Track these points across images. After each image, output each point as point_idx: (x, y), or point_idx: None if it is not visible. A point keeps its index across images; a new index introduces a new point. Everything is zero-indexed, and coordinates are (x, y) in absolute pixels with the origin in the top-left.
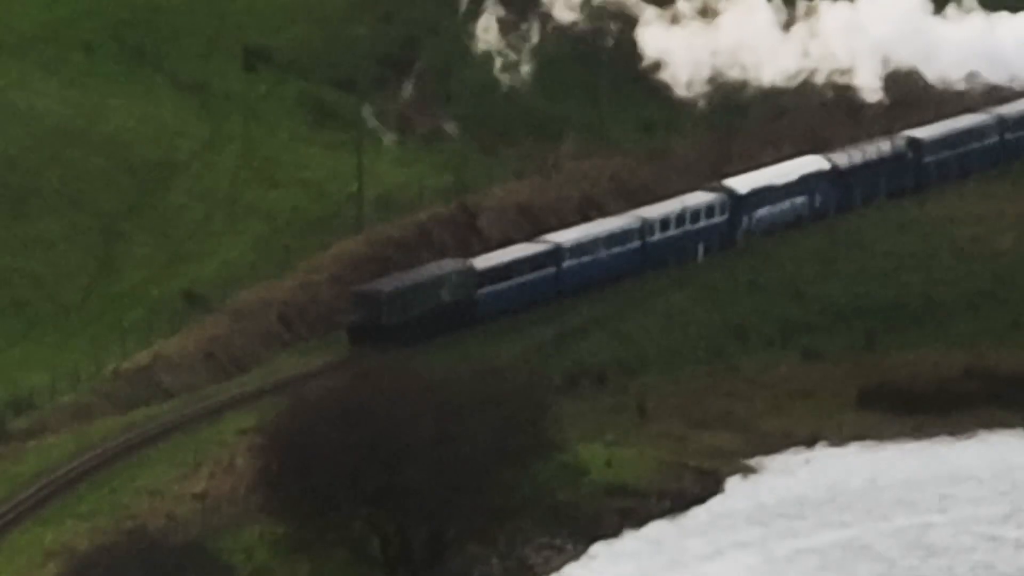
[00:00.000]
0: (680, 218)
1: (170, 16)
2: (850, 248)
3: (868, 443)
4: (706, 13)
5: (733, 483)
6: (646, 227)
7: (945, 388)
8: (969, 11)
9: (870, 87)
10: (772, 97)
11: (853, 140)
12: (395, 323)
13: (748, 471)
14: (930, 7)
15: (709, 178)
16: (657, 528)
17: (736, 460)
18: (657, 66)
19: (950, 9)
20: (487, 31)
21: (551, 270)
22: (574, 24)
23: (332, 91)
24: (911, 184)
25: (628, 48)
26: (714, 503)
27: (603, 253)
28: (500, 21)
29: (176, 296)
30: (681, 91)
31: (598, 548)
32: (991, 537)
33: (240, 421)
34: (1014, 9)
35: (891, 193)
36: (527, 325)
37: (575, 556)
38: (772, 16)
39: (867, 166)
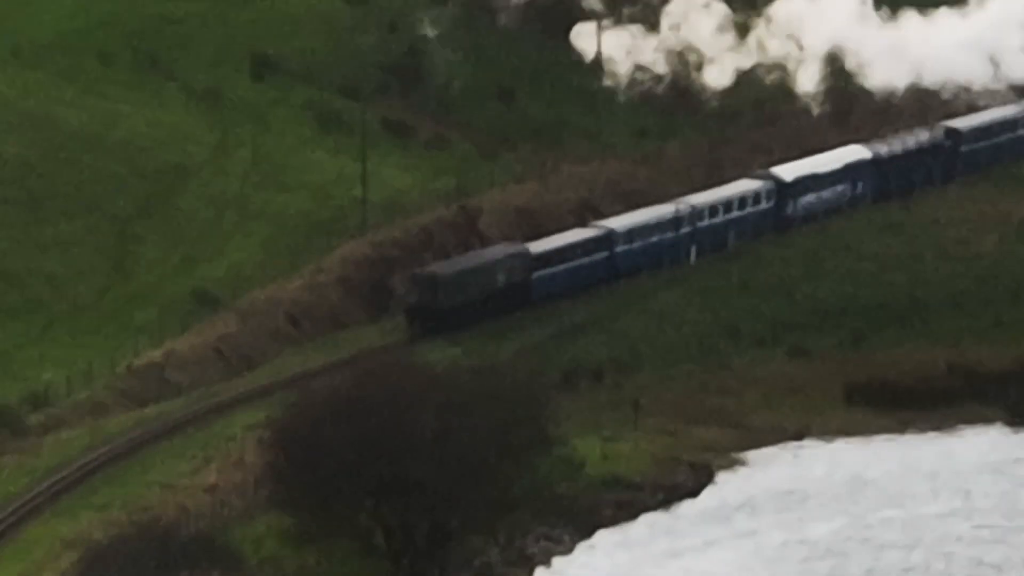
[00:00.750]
0: (728, 205)
1: (182, 26)
2: (837, 250)
3: (855, 438)
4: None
5: (724, 476)
6: (695, 214)
7: (929, 385)
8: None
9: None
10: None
11: (840, 144)
12: (451, 305)
13: (739, 465)
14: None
15: (701, 182)
16: (651, 520)
17: (727, 454)
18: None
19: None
20: None
21: (604, 254)
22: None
23: (338, 98)
24: (948, 173)
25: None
26: (706, 496)
27: (654, 238)
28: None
29: (187, 296)
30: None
31: (595, 539)
32: (975, 529)
33: (249, 417)
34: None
35: (928, 181)
36: (527, 324)
37: (572, 547)
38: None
39: (907, 155)
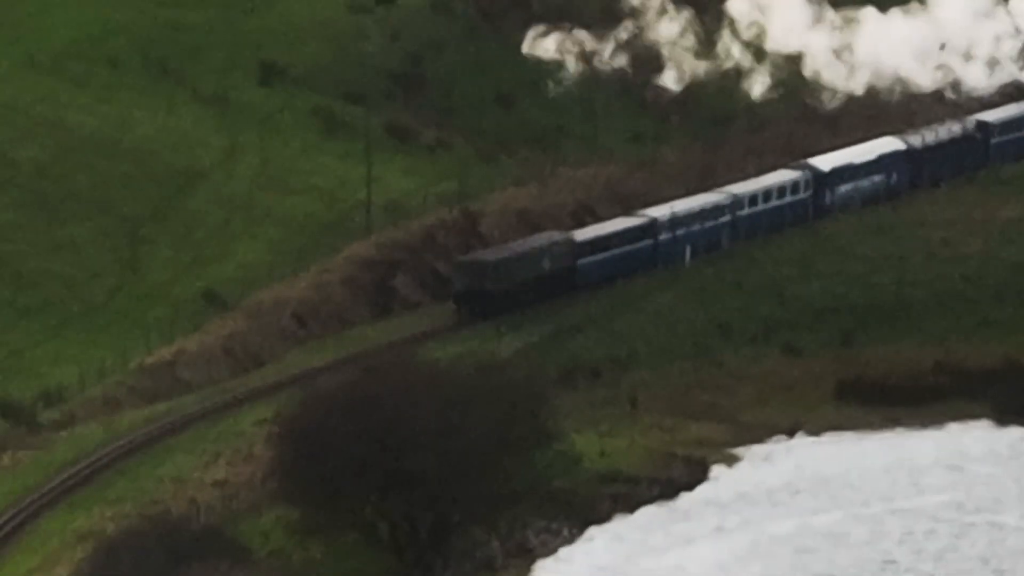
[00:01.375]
0: (767, 194)
1: (191, 34)
2: (828, 251)
3: (845, 433)
4: None
5: (718, 471)
6: (736, 203)
7: (917, 382)
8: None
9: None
10: (755, 110)
11: (833, 147)
12: (499, 290)
13: (732, 460)
14: None
15: (695, 185)
16: (648, 513)
17: (721, 449)
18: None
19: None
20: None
21: (648, 242)
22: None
23: (343, 104)
24: (978, 163)
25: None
26: (701, 490)
27: (696, 226)
28: None
29: (197, 296)
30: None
31: (592, 531)
32: (960, 522)
33: (257, 413)
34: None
35: (959, 171)
36: (526, 322)
37: (571, 539)
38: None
39: (939, 147)
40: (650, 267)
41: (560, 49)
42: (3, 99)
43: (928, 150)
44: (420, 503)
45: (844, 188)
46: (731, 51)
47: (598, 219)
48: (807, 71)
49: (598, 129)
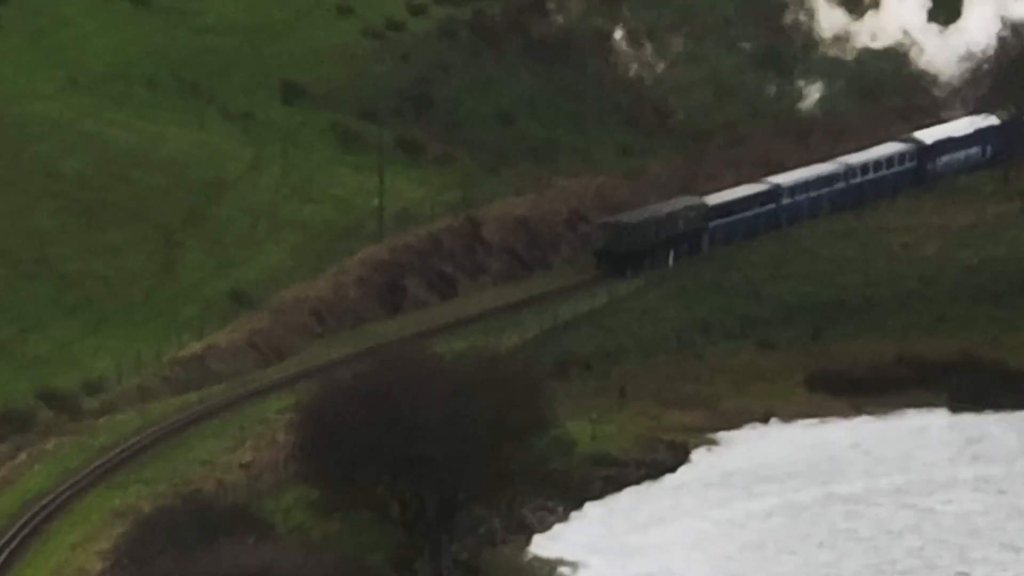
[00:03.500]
0: (878, 164)
1: (220, 58)
2: (799, 254)
3: (814, 420)
4: None
5: (699, 454)
6: (850, 171)
7: (879, 373)
8: None
9: None
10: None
11: (800, 163)
12: (635, 249)
13: (712, 444)
14: None
15: (679, 194)
16: (635, 492)
17: (701, 434)
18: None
19: None
20: None
21: (771, 206)
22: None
23: (357, 121)
24: None
25: (609, 81)
26: (683, 471)
27: (814, 192)
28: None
29: (225, 295)
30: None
31: (585, 509)
32: (919, 501)
33: (280, 401)
34: None
35: None
36: (525, 320)
37: (566, 516)
38: None
39: None
40: (773, 228)
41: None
42: (50, 116)
43: (1020, 125)
44: (428, 483)
45: (944, 159)
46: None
47: (590, 225)
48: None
49: (589, 143)
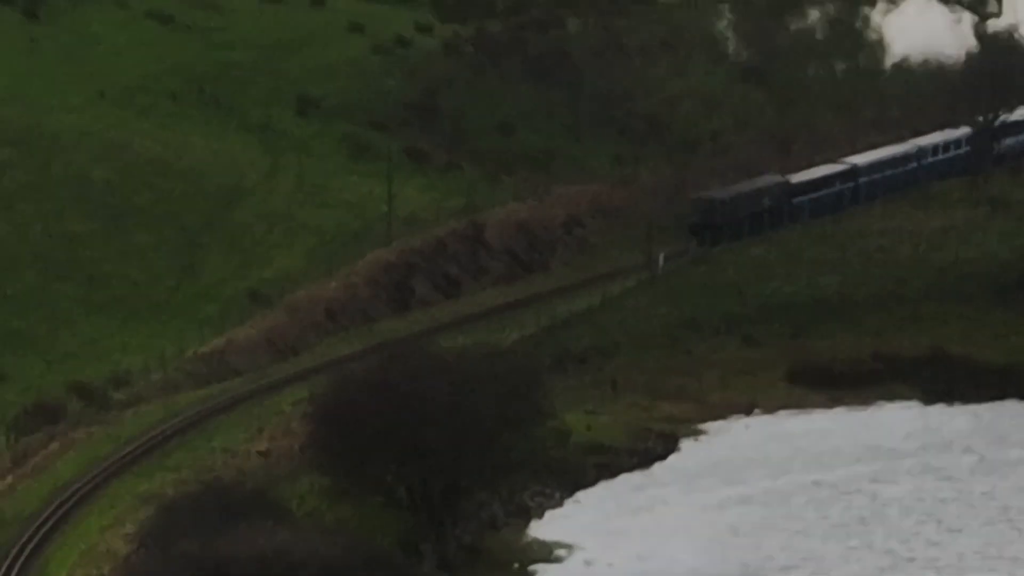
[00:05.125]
0: (946, 146)
1: (240, 72)
2: (781, 257)
3: (795, 411)
4: None
5: (687, 444)
6: (920, 152)
7: (856, 368)
8: None
9: None
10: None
11: (783, 171)
12: (726, 222)
13: (699, 434)
14: None
15: (669, 200)
16: (627, 479)
17: (690, 425)
18: None
19: None
20: None
21: (850, 184)
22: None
23: (368, 131)
24: None
25: (603, 94)
26: (672, 459)
27: (889, 172)
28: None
29: (243, 295)
30: None
31: (581, 495)
32: (893, 488)
33: (295, 394)
34: None
35: None
36: (524, 318)
37: (562, 501)
38: None
39: None
40: (852, 205)
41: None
42: (80, 127)
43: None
44: (433, 471)
45: (1007, 142)
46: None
47: (586, 231)
48: None
49: (584, 153)
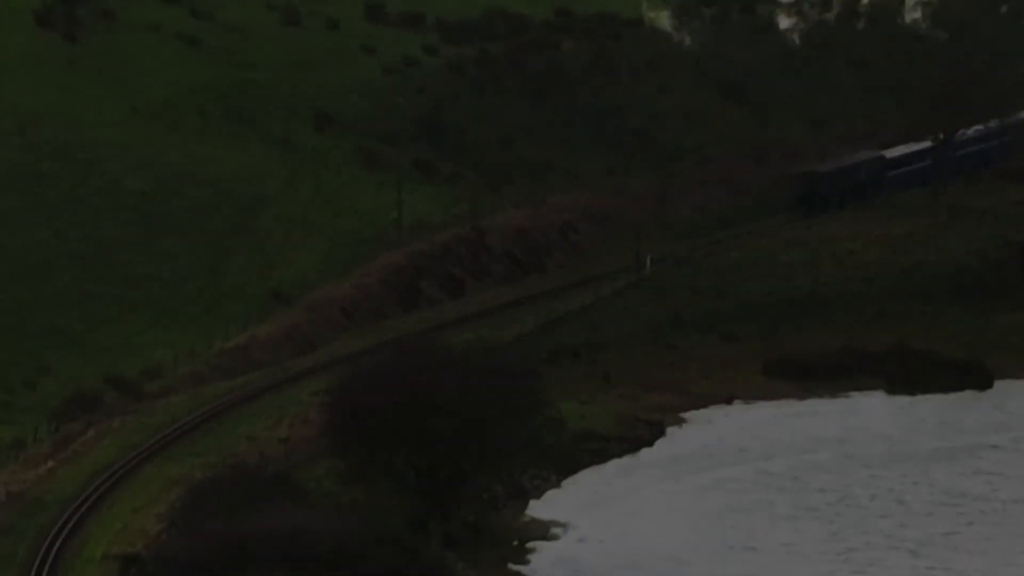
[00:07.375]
0: (1002, 132)
1: (262, 90)
2: (758, 260)
3: (771, 401)
4: None
5: (672, 431)
6: (991, 134)
7: (827, 361)
8: None
9: None
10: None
11: (759, 181)
12: (827, 194)
13: (683, 422)
14: None
15: (657, 207)
16: (617, 463)
17: (675, 414)
18: None
19: None
20: None
21: (930, 161)
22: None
23: (379, 144)
24: None
25: (596, 110)
26: (659, 445)
27: (972, 148)
28: None
29: (266, 294)
30: None
31: (574, 478)
32: (860, 471)
33: (313, 385)
34: None
35: None
36: (523, 315)
37: (558, 484)
38: None
39: None
40: (940, 178)
41: None
42: (115, 140)
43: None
44: (439, 456)
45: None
46: None
47: (580, 236)
48: None
49: (578, 164)
